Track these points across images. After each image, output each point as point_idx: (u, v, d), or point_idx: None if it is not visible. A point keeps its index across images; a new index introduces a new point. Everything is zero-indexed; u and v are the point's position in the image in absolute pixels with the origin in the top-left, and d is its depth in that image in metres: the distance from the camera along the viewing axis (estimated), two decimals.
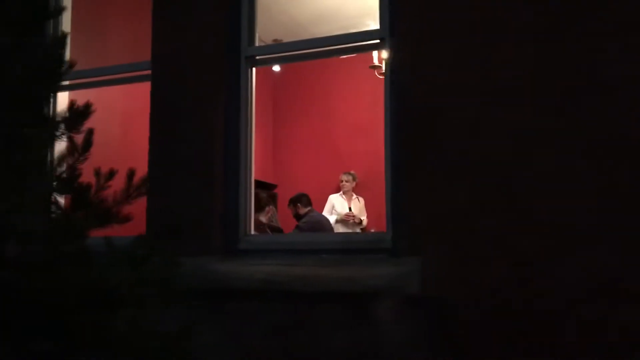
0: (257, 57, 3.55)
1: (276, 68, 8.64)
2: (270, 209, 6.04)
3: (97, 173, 2.29)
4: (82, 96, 4.99)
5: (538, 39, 2.80)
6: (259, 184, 7.83)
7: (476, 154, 2.86)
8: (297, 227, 6.19)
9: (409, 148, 3.00)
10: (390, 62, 3.15)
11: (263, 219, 5.71)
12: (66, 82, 4.02)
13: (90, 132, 2.16)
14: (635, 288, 2.57)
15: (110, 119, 5.49)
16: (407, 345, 2.86)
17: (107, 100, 5.45)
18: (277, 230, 5.91)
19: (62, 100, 4.10)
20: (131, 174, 2.12)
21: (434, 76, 2.97)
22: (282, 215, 7.67)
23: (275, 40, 8.19)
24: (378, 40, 3.25)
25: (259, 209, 5.74)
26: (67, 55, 4.05)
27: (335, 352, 2.97)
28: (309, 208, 6.35)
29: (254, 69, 3.56)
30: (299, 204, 6.46)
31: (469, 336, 2.80)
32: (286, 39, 8.07)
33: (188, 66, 3.48)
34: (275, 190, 8.24)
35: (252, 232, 3.49)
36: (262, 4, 3.61)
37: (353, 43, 3.38)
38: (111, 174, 2.14)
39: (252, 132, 3.52)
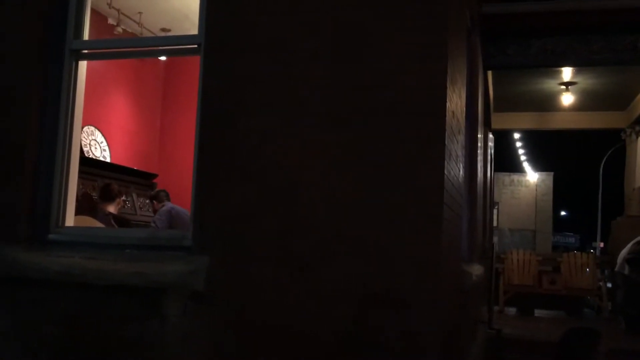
0: (84, 51, 3.59)
1: (163, 58, 8.60)
2: (121, 200, 6.05)
3: None
4: None
5: (327, 62, 3.01)
6: (136, 173, 7.82)
7: (265, 160, 3.04)
8: (153, 221, 6.26)
9: (207, 151, 3.16)
10: (203, 68, 3.28)
11: (112, 209, 5.73)
12: None
13: None
14: (394, 294, 2.83)
15: None
16: (192, 338, 3.02)
17: None
18: (125, 222, 5.94)
19: None
20: None
21: (233, 85, 3.13)
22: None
23: (163, 29, 8.16)
24: (196, 46, 3.37)
25: (110, 199, 5.76)
26: None
27: (124, 342, 3.08)
28: (163, 203, 6.42)
29: (80, 62, 3.60)
30: (155, 201, 6.53)
31: (247, 333, 2.98)
32: (174, 29, 8.08)
33: (8, 56, 3.48)
34: (155, 180, 8.22)
35: (67, 223, 3.54)
36: None
37: (173, 45, 3.48)
38: None
39: (73, 124, 3.56)
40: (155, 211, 6.42)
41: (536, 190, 21.68)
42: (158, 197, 6.49)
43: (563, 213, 42.36)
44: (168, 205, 6.40)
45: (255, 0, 3.16)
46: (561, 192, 26.42)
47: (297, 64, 3.05)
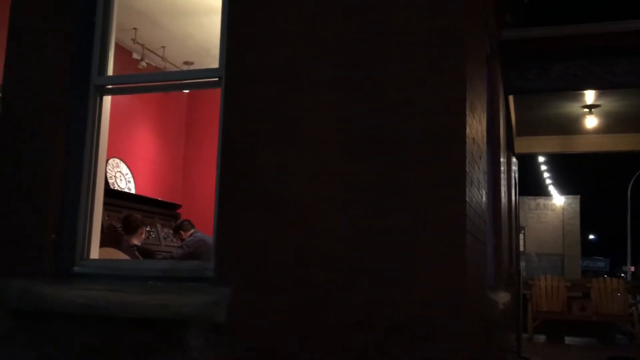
0: (108, 87, 3.67)
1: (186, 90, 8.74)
2: (144, 230, 6.10)
3: None
4: None
5: (344, 92, 3.03)
6: (160, 204, 7.90)
7: (285, 190, 3.05)
8: (180, 247, 6.28)
9: (228, 182, 3.18)
10: (223, 100, 3.32)
11: (136, 241, 5.78)
12: None
13: None
14: (417, 324, 2.79)
15: None
16: None
17: None
18: (149, 253, 5.97)
19: None
20: None
21: (250, 117, 3.17)
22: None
23: (186, 62, 8.32)
24: (217, 79, 3.42)
25: (131, 231, 5.81)
26: None
27: None
28: (191, 231, 6.45)
29: (104, 97, 3.68)
30: (181, 231, 6.56)
31: None
32: (197, 62, 8.23)
33: (35, 92, 3.58)
34: (179, 211, 8.29)
35: (92, 256, 3.58)
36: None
37: (194, 79, 3.54)
38: None
39: (98, 157, 3.62)
40: (183, 240, 6.43)
41: (563, 213, 21.35)
42: (183, 227, 6.53)
43: (591, 237, 41.57)
44: (197, 235, 6.39)
45: (274, 33, 3.21)
46: (589, 216, 25.99)
47: (315, 94, 3.07)
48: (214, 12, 6.27)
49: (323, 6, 3.13)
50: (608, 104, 9.00)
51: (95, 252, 3.64)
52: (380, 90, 2.96)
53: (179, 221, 6.87)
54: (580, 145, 11.44)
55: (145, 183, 8.38)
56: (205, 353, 3.02)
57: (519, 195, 12.17)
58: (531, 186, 21.11)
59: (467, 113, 2.88)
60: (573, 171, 25.16)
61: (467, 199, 2.89)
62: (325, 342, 2.87)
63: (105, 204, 3.95)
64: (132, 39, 7.27)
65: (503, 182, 6.55)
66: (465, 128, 2.85)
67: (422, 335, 2.75)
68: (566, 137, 11.23)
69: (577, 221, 21.25)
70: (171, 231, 7.54)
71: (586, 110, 9.24)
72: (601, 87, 7.47)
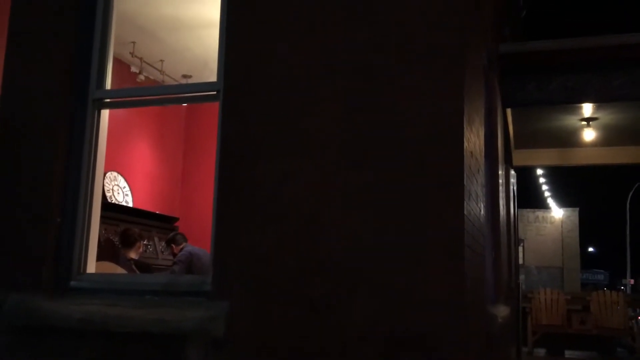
0: (106, 100, 3.67)
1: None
2: (141, 244, 6.07)
3: None
4: None
5: (344, 103, 3.03)
6: (157, 217, 7.87)
7: (285, 202, 3.04)
8: (174, 263, 6.26)
9: (227, 195, 3.17)
10: (221, 113, 3.32)
11: (133, 255, 5.75)
12: None
13: None
14: (419, 337, 2.77)
15: None
16: None
17: None
18: (146, 267, 5.94)
19: None
20: None
21: (252, 128, 3.16)
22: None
23: (184, 76, 8.33)
24: (215, 92, 3.42)
25: (129, 245, 5.78)
26: None
27: None
28: (182, 244, 6.43)
29: (102, 110, 3.68)
30: (173, 245, 6.53)
31: None
32: (195, 75, 8.24)
33: (33, 105, 3.58)
34: (177, 224, 8.26)
35: (89, 270, 3.56)
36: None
37: (193, 92, 3.54)
38: None
39: (95, 171, 3.61)
40: (174, 254, 6.42)
41: (562, 226, 21.34)
42: (175, 241, 6.51)
43: (591, 249, 41.51)
44: (187, 248, 6.39)
45: (272, 46, 3.21)
46: (588, 228, 25.98)
47: (314, 106, 3.08)
48: (213, 25, 6.29)
49: (322, 18, 3.14)
50: (606, 116, 9.01)
51: (91, 266, 3.61)
52: (379, 102, 2.96)
53: (171, 234, 6.82)
54: (578, 158, 11.45)
55: (142, 196, 8.36)
56: None
57: (518, 208, 12.17)
58: (530, 199, 21.13)
59: (464, 126, 2.88)
60: (572, 184, 25.18)
61: (466, 212, 2.88)
62: (326, 354, 2.85)
63: (102, 217, 3.93)
64: (130, 53, 7.28)
65: (501, 195, 6.55)
66: (463, 141, 2.85)
67: (421, 347, 2.73)
68: (564, 149, 11.23)
69: (576, 234, 21.23)
70: (163, 243, 7.51)
71: (584, 123, 9.25)
72: (599, 100, 7.47)
